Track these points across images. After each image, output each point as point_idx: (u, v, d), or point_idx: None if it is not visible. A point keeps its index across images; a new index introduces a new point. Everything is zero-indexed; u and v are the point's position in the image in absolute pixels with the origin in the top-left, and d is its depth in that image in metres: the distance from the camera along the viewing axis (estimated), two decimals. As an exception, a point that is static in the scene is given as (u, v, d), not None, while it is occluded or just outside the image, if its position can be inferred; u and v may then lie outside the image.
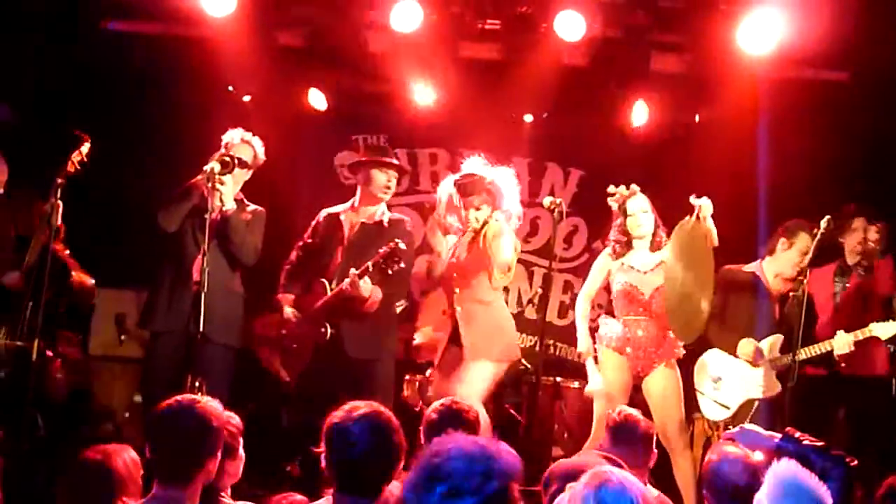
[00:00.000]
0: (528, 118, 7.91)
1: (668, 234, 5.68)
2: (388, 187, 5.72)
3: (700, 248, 5.43)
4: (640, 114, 7.34)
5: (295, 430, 5.86)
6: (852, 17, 6.27)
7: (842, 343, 5.56)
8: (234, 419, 3.56)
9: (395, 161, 5.84)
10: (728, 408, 5.77)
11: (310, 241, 5.83)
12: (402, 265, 5.35)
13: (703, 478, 3.59)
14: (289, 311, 5.67)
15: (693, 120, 7.36)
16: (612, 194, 5.75)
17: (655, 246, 5.75)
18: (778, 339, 5.74)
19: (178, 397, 3.20)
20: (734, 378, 5.77)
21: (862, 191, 6.23)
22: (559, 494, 2.93)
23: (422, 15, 6.62)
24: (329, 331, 5.48)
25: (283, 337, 5.68)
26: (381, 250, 5.29)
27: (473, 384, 5.27)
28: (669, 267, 5.52)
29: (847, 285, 5.99)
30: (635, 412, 4.15)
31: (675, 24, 6.83)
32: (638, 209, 5.71)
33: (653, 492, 4.02)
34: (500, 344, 5.49)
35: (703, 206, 5.37)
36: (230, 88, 7.34)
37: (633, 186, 5.73)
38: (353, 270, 5.34)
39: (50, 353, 5.66)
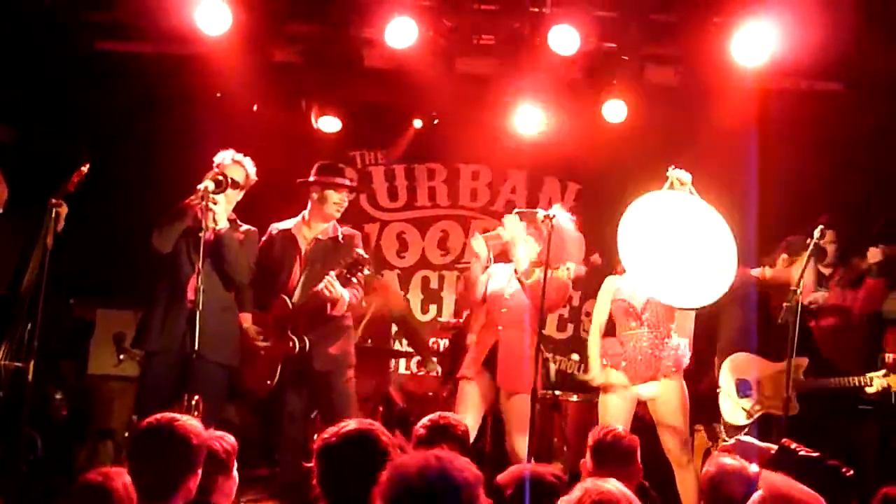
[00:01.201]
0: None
1: None
2: (340, 207, 5.76)
3: (684, 217, 5.49)
4: (616, 111, 7.35)
5: (273, 442, 5.88)
6: (845, 27, 6.29)
7: (878, 385, 5.67)
8: (229, 438, 3.55)
9: (347, 182, 5.85)
10: (751, 415, 5.75)
11: (262, 257, 5.77)
12: (366, 271, 5.57)
13: (701, 490, 3.58)
14: (247, 327, 5.67)
15: (688, 132, 7.36)
16: None
17: None
18: (804, 361, 5.76)
19: (158, 416, 3.21)
20: (762, 387, 5.77)
21: (854, 201, 6.26)
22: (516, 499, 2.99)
23: (417, 31, 6.65)
24: (297, 344, 5.51)
25: (245, 353, 5.69)
26: (344, 260, 5.40)
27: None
28: (634, 238, 5.49)
29: (825, 294, 6.07)
30: (618, 428, 4.13)
31: (669, 38, 6.85)
32: None
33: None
34: None
35: (681, 176, 5.51)
36: (218, 95, 7.35)
37: None
38: (326, 277, 5.37)
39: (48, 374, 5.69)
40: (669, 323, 5.69)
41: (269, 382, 5.58)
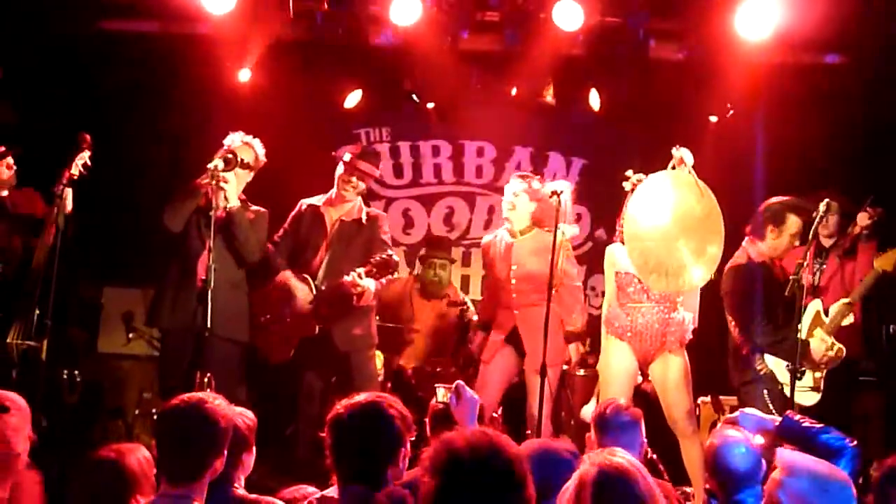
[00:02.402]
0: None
1: None
2: (347, 188, 5.76)
3: (686, 197, 5.49)
4: (594, 100, 7.40)
5: (286, 420, 5.95)
6: (849, 0, 6.29)
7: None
8: (249, 414, 3.62)
9: (376, 173, 5.92)
10: (818, 388, 5.61)
11: (291, 229, 5.86)
12: (395, 275, 5.66)
13: (705, 462, 3.62)
14: (304, 292, 5.63)
15: (693, 107, 7.36)
16: (627, 178, 5.78)
17: None
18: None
19: (185, 396, 3.19)
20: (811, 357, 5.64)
21: (858, 174, 6.26)
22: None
23: (421, 8, 6.66)
24: (318, 327, 5.56)
25: (267, 322, 5.72)
26: (375, 258, 5.41)
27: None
28: (634, 217, 5.53)
29: (824, 266, 6.06)
30: (619, 401, 4.13)
31: (673, 12, 6.85)
32: None
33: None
34: None
35: (684, 155, 5.49)
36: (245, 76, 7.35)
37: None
38: (353, 272, 5.40)
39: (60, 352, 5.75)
40: (676, 297, 5.71)
41: (284, 355, 5.64)
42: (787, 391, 5.37)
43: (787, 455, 3.07)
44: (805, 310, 5.42)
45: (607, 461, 2.53)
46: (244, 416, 3.57)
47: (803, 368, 5.43)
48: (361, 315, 5.72)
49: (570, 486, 2.55)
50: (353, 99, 7.57)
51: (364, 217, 5.79)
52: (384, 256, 5.41)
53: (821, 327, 5.66)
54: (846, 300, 5.69)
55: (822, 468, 2.91)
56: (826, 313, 5.70)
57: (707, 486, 3.66)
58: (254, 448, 3.59)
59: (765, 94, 7.04)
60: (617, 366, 5.69)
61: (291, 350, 5.65)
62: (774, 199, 5.78)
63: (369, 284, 5.48)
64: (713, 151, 7.11)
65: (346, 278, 5.42)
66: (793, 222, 5.69)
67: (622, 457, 2.58)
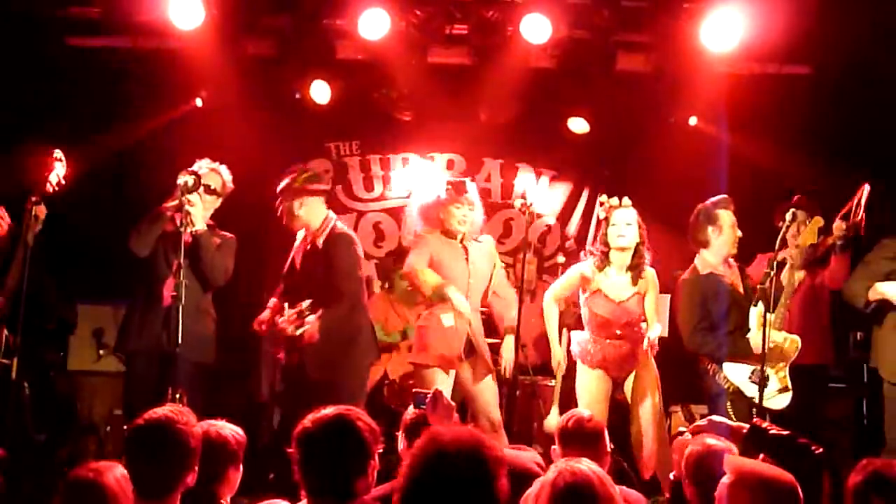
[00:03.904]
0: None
1: (652, 253, 5.78)
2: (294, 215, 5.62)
3: None
4: (580, 125, 7.51)
5: (272, 441, 5.91)
6: (813, 11, 6.37)
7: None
8: (238, 431, 3.62)
9: (323, 187, 5.74)
10: (788, 389, 5.54)
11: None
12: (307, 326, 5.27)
13: (685, 469, 3.61)
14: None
15: (659, 119, 7.43)
16: (602, 203, 5.79)
17: (635, 268, 5.73)
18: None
19: (153, 412, 3.24)
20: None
21: (826, 182, 6.31)
22: None
23: (389, 22, 6.68)
24: (282, 355, 5.47)
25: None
26: (290, 312, 5.28)
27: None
28: None
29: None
30: (582, 412, 4.16)
31: (640, 24, 6.89)
32: (622, 220, 5.68)
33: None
34: None
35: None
36: (199, 102, 7.36)
37: (626, 200, 5.73)
38: (288, 313, 5.30)
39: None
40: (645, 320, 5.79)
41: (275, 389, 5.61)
42: (757, 400, 5.34)
43: (735, 461, 3.10)
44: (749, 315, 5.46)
45: (569, 468, 2.58)
46: (235, 433, 3.58)
47: (766, 374, 5.46)
48: (345, 345, 5.48)
49: (531, 491, 2.61)
50: (320, 93, 7.39)
51: (320, 243, 5.54)
52: (297, 311, 5.24)
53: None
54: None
55: (771, 472, 2.95)
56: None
57: (671, 486, 3.68)
58: (241, 464, 3.59)
59: (730, 104, 7.11)
60: (592, 390, 5.73)
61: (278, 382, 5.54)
62: (698, 207, 5.83)
63: (311, 329, 5.26)
64: (678, 161, 7.20)
65: (280, 319, 5.30)
66: (725, 214, 5.72)
67: (586, 465, 2.62)
